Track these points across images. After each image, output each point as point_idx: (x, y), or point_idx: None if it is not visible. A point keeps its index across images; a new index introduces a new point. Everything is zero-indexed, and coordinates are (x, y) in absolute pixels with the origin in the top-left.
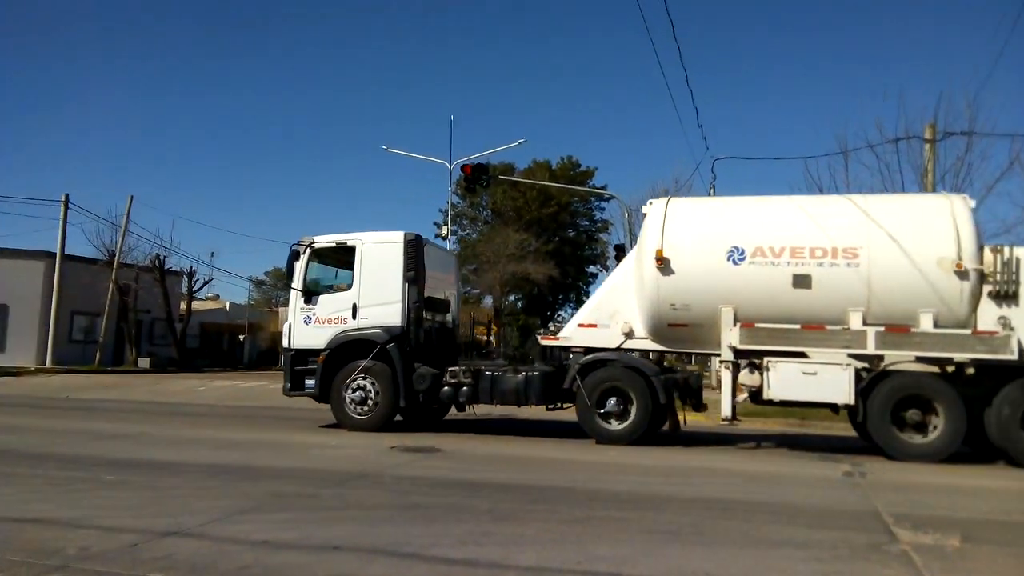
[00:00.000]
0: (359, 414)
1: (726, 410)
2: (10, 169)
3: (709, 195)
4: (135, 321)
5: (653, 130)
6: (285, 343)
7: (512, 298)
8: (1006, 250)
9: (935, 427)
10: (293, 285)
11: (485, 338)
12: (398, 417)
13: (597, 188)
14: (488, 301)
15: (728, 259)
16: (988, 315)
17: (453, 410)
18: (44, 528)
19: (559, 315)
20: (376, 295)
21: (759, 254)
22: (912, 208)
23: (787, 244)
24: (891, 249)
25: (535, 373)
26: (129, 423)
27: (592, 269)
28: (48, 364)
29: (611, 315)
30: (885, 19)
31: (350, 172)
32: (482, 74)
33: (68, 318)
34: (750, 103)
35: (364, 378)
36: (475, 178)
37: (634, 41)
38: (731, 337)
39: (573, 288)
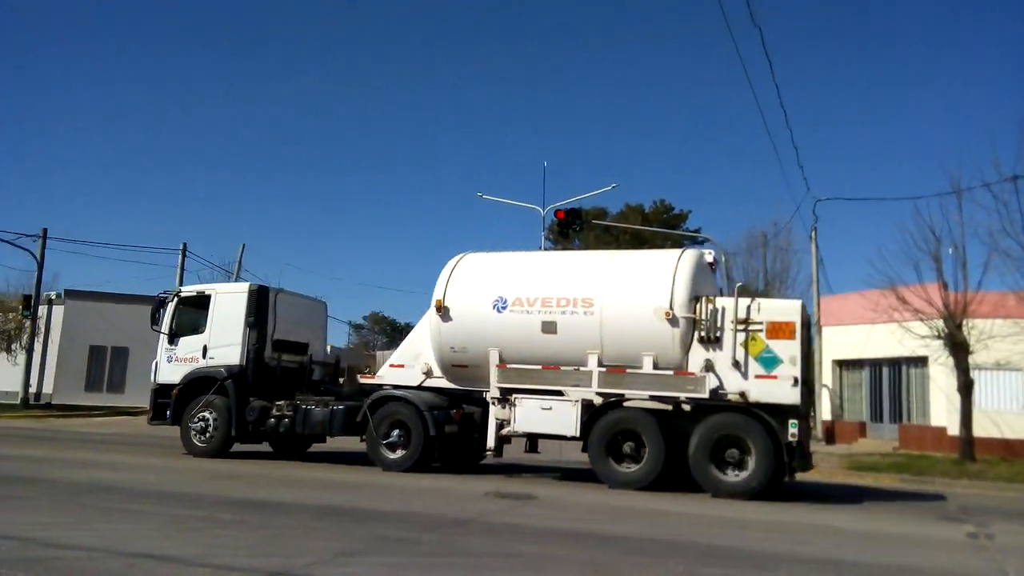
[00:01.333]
0: (200, 442)
1: (490, 442)
2: (131, 218)
3: (810, 238)
4: None
5: (749, 170)
6: (152, 379)
7: None
8: (716, 300)
9: (643, 457)
10: (159, 328)
11: None
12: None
13: (691, 231)
14: None
15: (493, 307)
16: (697, 358)
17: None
18: (160, 565)
19: None
20: (222, 338)
21: (517, 303)
22: (643, 263)
23: (539, 295)
24: (619, 299)
25: (339, 407)
26: (241, 464)
27: None
28: None
29: (415, 357)
30: (1000, 48)
31: (443, 217)
32: (574, 119)
33: None
34: (853, 140)
35: (205, 410)
36: (568, 223)
37: (729, 80)
38: (493, 376)
39: None
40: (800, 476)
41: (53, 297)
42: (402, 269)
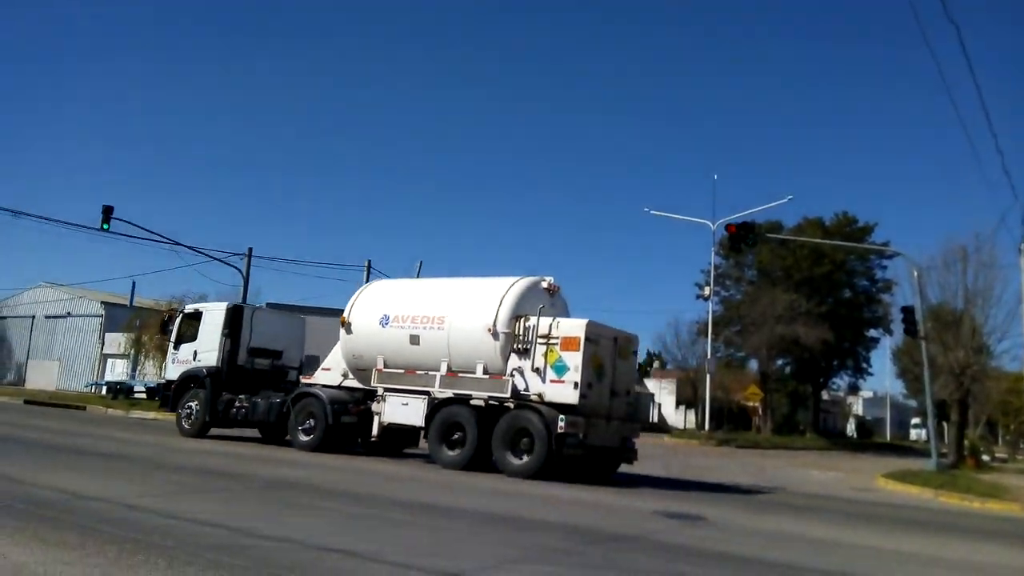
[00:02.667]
0: (187, 425)
1: (374, 431)
2: (321, 236)
3: (1019, 251)
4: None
5: (945, 179)
6: (164, 376)
7: (780, 363)
8: (529, 319)
9: (465, 443)
10: (168, 338)
11: (751, 404)
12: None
13: (877, 245)
14: (754, 364)
15: (380, 323)
16: (512, 365)
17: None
18: (343, 558)
19: (833, 383)
20: (207, 345)
21: (395, 320)
22: (482, 288)
23: (410, 313)
24: (461, 318)
25: (275, 401)
26: (407, 467)
27: (873, 333)
28: None
29: (336, 363)
30: None
31: (612, 235)
32: (746, 130)
33: None
34: None
35: (192, 400)
36: (740, 237)
37: (919, 81)
38: (374, 378)
39: (850, 354)
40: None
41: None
42: (570, 284)
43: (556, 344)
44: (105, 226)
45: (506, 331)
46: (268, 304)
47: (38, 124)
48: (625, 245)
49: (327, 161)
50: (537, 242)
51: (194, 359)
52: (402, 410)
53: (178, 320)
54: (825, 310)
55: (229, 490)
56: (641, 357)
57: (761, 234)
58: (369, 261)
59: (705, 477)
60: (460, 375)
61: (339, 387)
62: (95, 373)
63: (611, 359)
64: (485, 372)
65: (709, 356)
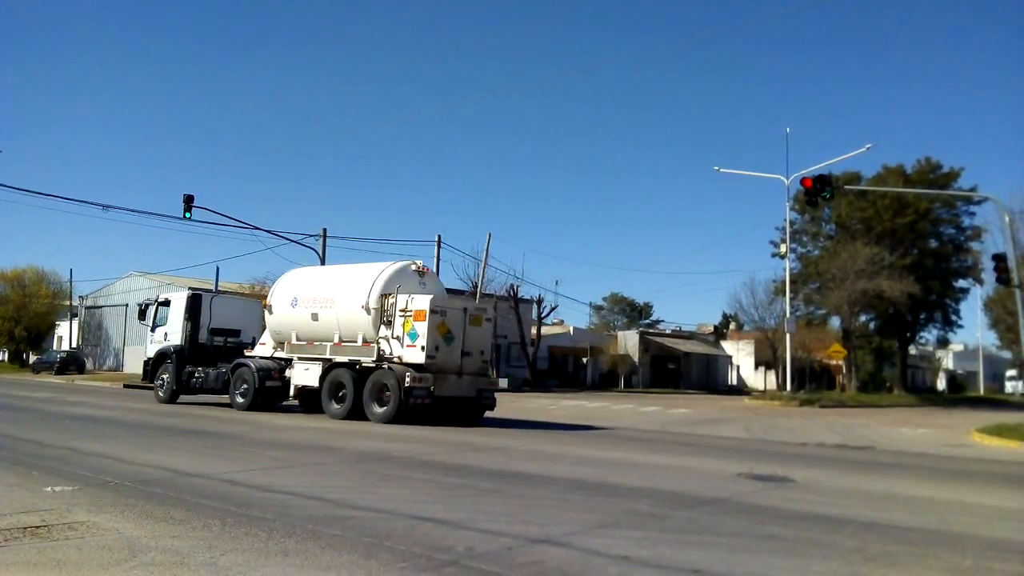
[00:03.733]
0: (161, 393)
1: (291, 392)
2: (393, 212)
3: None
4: (495, 346)
5: None
6: (144, 355)
7: (864, 318)
8: (395, 297)
9: (347, 400)
10: (145, 322)
11: (835, 362)
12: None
13: (964, 191)
14: (835, 322)
15: (291, 304)
16: (382, 335)
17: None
18: (435, 527)
19: (921, 337)
20: (174, 327)
21: (302, 302)
22: (361, 272)
23: (312, 295)
24: (345, 297)
25: (222, 371)
26: (495, 437)
27: (962, 284)
28: None
29: (268, 338)
30: None
31: (680, 195)
32: (822, 78)
33: None
34: None
35: (164, 373)
36: (816, 191)
37: (1005, 8)
38: (286, 349)
39: (938, 306)
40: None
41: None
42: (640, 248)
43: (411, 316)
44: (187, 215)
45: (375, 307)
46: None
47: (115, 122)
48: (695, 206)
49: (395, 141)
50: (607, 206)
51: (165, 339)
52: (305, 374)
53: (154, 308)
54: (910, 262)
55: (321, 464)
56: (716, 319)
57: (838, 186)
58: (439, 236)
59: (789, 438)
60: (344, 344)
61: (270, 358)
62: None
63: (461, 326)
64: (364, 341)
65: (788, 315)
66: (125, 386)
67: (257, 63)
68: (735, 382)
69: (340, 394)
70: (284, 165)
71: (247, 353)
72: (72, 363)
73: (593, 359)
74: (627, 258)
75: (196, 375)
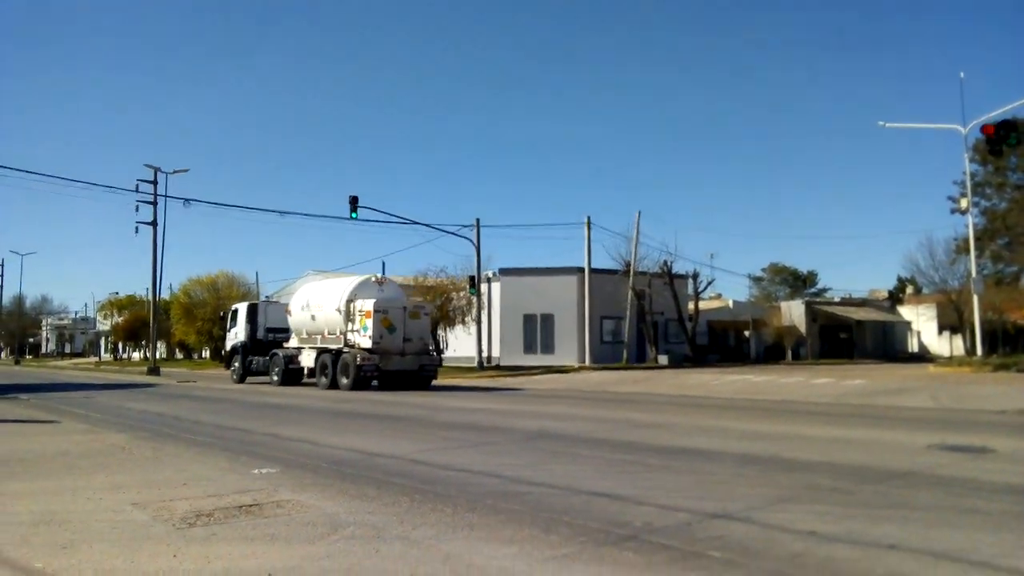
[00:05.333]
0: (234, 377)
1: (307, 372)
2: (541, 197)
3: None
4: (652, 322)
5: None
6: (225, 347)
7: None
8: (357, 302)
9: (328, 376)
10: (224, 327)
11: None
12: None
13: None
14: None
15: (301, 308)
16: (349, 329)
17: None
18: (610, 502)
19: None
20: (240, 328)
21: (307, 307)
22: (340, 283)
23: (313, 301)
24: (327, 303)
25: (266, 359)
26: (659, 413)
27: None
28: (587, 362)
29: (294, 335)
30: None
31: (839, 156)
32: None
33: (598, 322)
34: None
35: (236, 362)
36: (1000, 138)
37: None
38: (294, 342)
39: None
40: None
41: (491, 275)
42: (801, 216)
43: (364, 314)
44: (353, 215)
45: (344, 309)
46: (499, 269)
47: (289, 129)
48: (857, 168)
49: (544, 132)
50: (759, 174)
51: (235, 337)
52: (308, 359)
53: (230, 314)
54: None
55: (494, 443)
56: (889, 284)
57: None
58: (588, 217)
59: (984, 405)
60: (328, 336)
61: (293, 348)
62: None
63: (402, 320)
64: (340, 334)
65: (974, 275)
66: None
67: (409, 63)
68: (916, 349)
69: (325, 372)
70: (440, 161)
71: (285, 345)
72: None
73: (756, 332)
74: (786, 226)
75: (254, 363)
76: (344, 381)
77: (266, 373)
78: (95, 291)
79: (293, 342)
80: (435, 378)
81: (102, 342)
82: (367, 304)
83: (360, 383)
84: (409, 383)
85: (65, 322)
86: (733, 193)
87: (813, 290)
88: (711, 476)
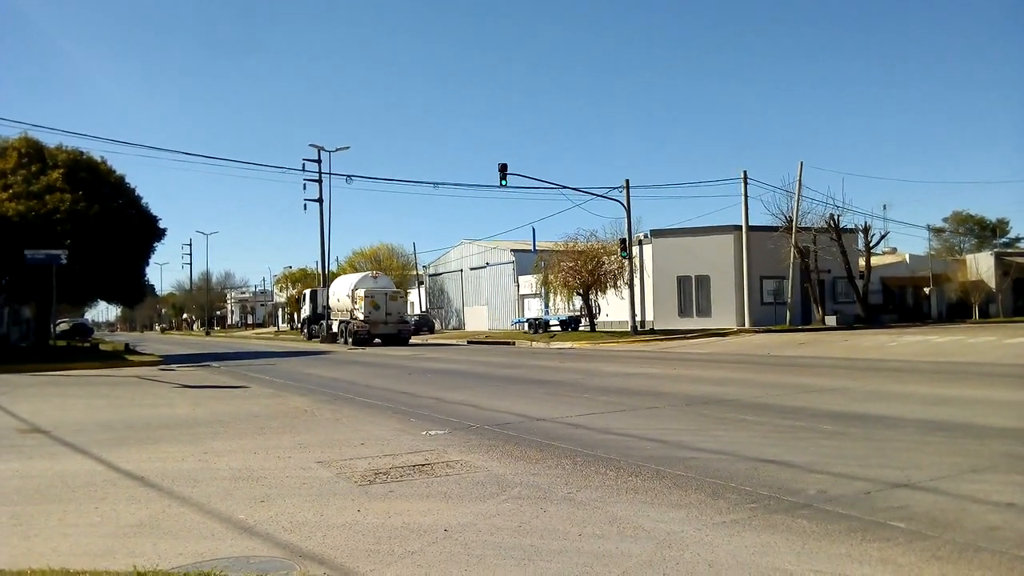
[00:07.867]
0: (315, 337)
1: (339, 336)
2: (698, 155)
3: None
4: (817, 281)
5: None
6: (304, 317)
7: None
8: (358, 289)
9: (344, 337)
10: (301, 304)
11: None
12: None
13: None
14: None
15: (333, 295)
16: (354, 308)
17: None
18: (780, 469)
19: None
20: (310, 305)
21: (335, 293)
22: (350, 278)
23: (339, 291)
24: (344, 291)
25: (339, 323)
26: (830, 378)
27: None
28: (746, 325)
29: (340, 310)
30: None
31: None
32: None
33: (757, 283)
34: None
35: (312, 328)
36: None
37: None
38: (341, 316)
39: None
40: None
41: (642, 238)
42: (987, 158)
43: (360, 298)
44: (503, 182)
45: (349, 295)
46: (651, 231)
47: (437, 107)
48: None
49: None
50: (928, 124)
51: (308, 312)
52: (339, 327)
53: (308, 294)
54: None
55: (654, 408)
56: None
57: None
58: (745, 172)
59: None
60: (343, 312)
61: (331, 320)
62: (516, 311)
63: (385, 301)
64: (347, 311)
65: None
66: (468, 342)
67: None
68: None
69: (342, 334)
70: (589, 122)
71: (338, 317)
72: (424, 325)
73: (937, 289)
74: (971, 170)
75: (314, 330)
76: (349, 340)
77: (317, 337)
78: (272, 266)
79: (335, 315)
80: (409, 339)
81: (279, 313)
82: (361, 292)
83: (359, 342)
84: (393, 342)
85: (247, 295)
86: (909, 138)
87: (1004, 240)
88: (891, 443)
